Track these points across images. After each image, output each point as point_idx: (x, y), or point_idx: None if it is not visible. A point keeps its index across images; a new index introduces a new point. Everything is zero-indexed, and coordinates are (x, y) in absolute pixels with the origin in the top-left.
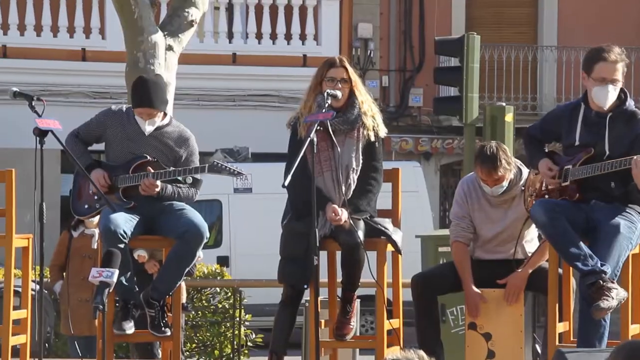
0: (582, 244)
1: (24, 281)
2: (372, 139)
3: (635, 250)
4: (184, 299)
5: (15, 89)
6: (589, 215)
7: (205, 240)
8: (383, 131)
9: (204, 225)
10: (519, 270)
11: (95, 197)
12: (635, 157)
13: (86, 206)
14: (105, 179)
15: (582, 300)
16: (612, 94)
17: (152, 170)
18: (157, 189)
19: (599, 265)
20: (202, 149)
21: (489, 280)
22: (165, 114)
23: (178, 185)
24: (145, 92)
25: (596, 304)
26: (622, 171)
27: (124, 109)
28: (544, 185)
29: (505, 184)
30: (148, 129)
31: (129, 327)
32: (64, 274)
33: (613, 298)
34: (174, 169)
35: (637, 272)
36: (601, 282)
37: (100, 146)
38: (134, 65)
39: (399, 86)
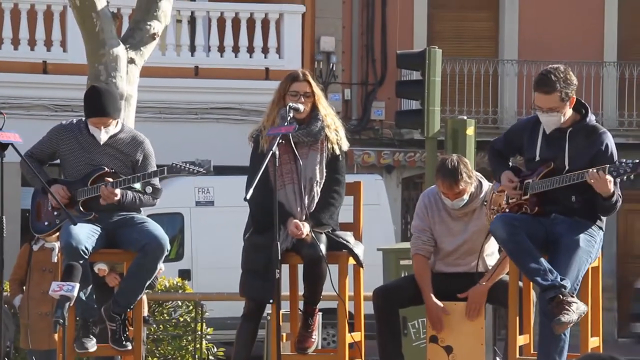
0: (541, 258)
1: None
2: (337, 152)
3: (595, 264)
4: (145, 312)
5: None
6: (549, 229)
7: (166, 253)
8: (346, 145)
9: (164, 238)
10: (480, 284)
11: (55, 213)
12: (590, 170)
13: (46, 223)
14: (65, 191)
15: (542, 314)
16: (551, 120)
17: (112, 181)
18: (117, 197)
19: (558, 279)
20: (164, 162)
21: (450, 293)
22: (117, 122)
23: (138, 190)
24: (98, 101)
25: (557, 318)
26: (582, 185)
27: (75, 121)
28: (505, 202)
29: (466, 197)
30: (103, 137)
31: (91, 345)
32: (24, 287)
33: (573, 312)
34: (133, 175)
35: (597, 285)
36: (561, 296)
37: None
38: (96, 78)
39: (361, 99)
